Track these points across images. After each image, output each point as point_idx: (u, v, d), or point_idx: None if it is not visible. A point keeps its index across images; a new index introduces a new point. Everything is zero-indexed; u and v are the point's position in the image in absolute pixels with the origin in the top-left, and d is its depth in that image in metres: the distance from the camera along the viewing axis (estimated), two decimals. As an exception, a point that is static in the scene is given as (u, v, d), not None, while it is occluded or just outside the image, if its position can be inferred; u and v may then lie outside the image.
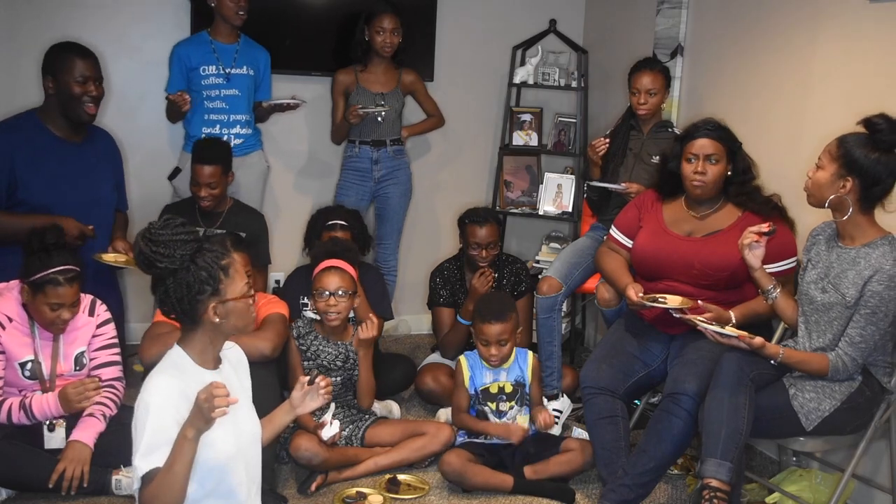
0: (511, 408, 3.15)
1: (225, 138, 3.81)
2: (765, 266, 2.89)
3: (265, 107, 3.97)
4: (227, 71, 3.81)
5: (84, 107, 3.26)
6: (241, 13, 3.79)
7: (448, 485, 3.06)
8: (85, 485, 2.76)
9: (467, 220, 3.72)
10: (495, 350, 3.09)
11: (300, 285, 3.72)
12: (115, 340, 3.05)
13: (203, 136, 3.78)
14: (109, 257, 3.33)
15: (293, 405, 2.36)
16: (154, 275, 2.01)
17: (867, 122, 2.48)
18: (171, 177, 3.89)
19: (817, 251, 2.69)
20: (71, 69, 3.21)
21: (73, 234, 3.10)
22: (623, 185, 3.44)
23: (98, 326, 2.99)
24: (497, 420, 3.14)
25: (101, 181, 3.44)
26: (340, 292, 3.16)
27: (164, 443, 1.93)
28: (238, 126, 3.86)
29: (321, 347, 3.22)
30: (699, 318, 2.67)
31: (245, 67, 3.87)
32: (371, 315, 3.24)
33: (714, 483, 2.48)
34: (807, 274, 2.70)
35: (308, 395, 2.36)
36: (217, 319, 2.03)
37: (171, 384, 1.99)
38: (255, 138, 3.99)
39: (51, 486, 2.72)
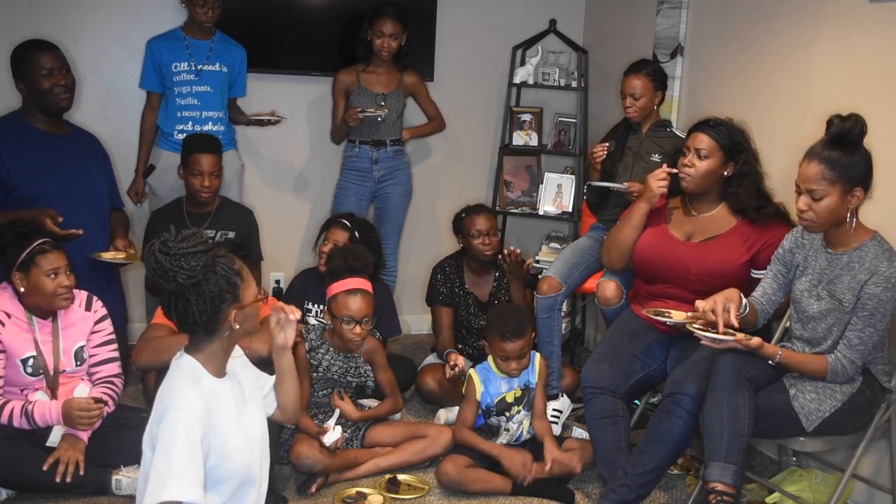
0: (519, 412, 3.14)
1: None
2: (764, 272, 2.90)
3: (244, 120, 4.05)
4: (199, 67, 3.82)
5: (58, 97, 3.30)
6: (208, 22, 3.80)
7: (448, 485, 3.06)
8: (81, 472, 2.76)
9: (464, 214, 3.75)
10: (516, 364, 3.07)
11: (306, 290, 3.71)
12: (113, 336, 3.06)
13: (176, 132, 3.81)
14: (108, 255, 3.35)
15: (279, 343, 2.23)
16: (171, 289, 1.94)
17: (837, 134, 2.45)
18: (146, 174, 3.89)
19: (805, 256, 2.68)
20: (34, 65, 3.26)
21: (47, 225, 3.07)
22: (625, 184, 3.44)
23: (96, 322, 3.01)
24: (505, 425, 3.13)
25: (91, 171, 3.47)
26: (366, 320, 3.11)
27: (195, 463, 1.91)
28: (210, 123, 3.86)
29: (332, 361, 3.20)
30: (695, 325, 2.67)
31: (218, 64, 3.87)
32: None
33: (720, 487, 2.47)
34: (798, 282, 2.68)
35: (283, 327, 2.22)
36: (237, 326, 2.00)
37: (198, 399, 1.95)
38: (229, 137, 3.97)
39: (45, 468, 2.73)
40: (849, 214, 2.50)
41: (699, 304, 2.64)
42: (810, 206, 2.49)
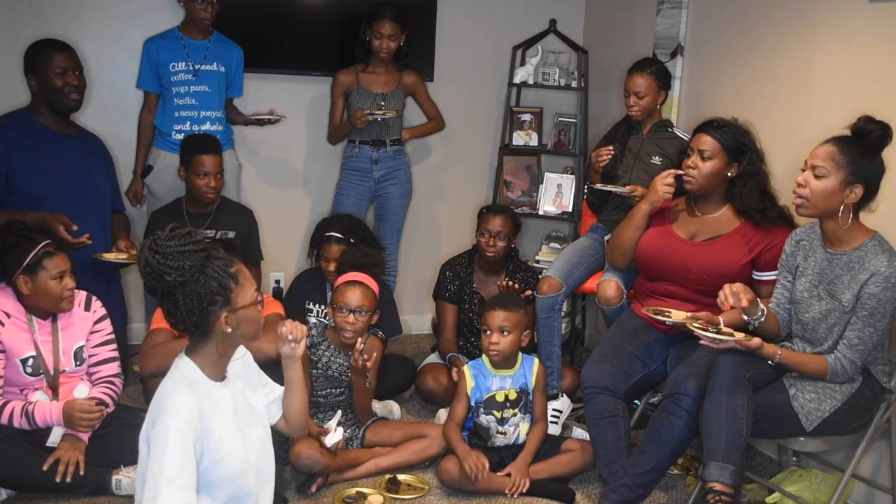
0: (514, 415, 3.13)
1: None
2: (765, 273, 2.91)
3: (242, 120, 4.06)
4: (197, 67, 3.82)
5: (68, 96, 3.32)
6: (207, 20, 3.80)
7: (448, 485, 3.06)
8: (81, 472, 2.76)
9: (485, 210, 3.79)
10: (496, 338, 3.06)
11: (306, 290, 3.72)
12: (112, 336, 3.06)
13: (174, 132, 3.81)
14: (110, 256, 3.35)
15: (284, 353, 2.26)
16: (162, 287, 1.95)
17: (858, 129, 2.47)
18: (144, 174, 3.90)
19: (804, 256, 2.68)
20: (49, 63, 3.28)
21: (59, 231, 3.08)
22: (626, 188, 3.43)
23: (95, 322, 3.01)
24: (500, 428, 3.13)
25: (96, 172, 3.48)
26: (361, 311, 3.12)
27: (188, 467, 1.90)
28: (208, 122, 3.86)
29: (332, 358, 3.20)
30: (695, 324, 2.67)
31: (216, 64, 3.87)
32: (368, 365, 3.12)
33: (718, 487, 2.47)
34: (798, 283, 2.69)
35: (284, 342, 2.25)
36: (229, 329, 1.98)
37: (191, 404, 1.94)
38: (227, 137, 3.97)
39: (45, 468, 2.73)
40: (843, 208, 2.50)
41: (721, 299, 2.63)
42: (808, 183, 2.52)
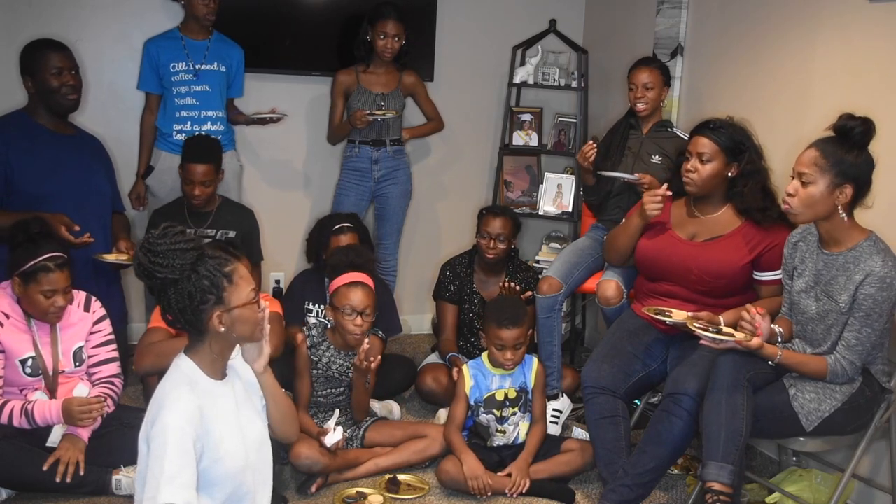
0: (514, 413, 3.14)
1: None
2: (766, 274, 2.91)
3: (243, 120, 4.06)
4: (197, 67, 3.82)
5: (65, 97, 3.32)
6: (210, 16, 3.79)
7: (448, 485, 3.06)
8: (81, 472, 2.76)
9: (485, 212, 3.78)
10: (511, 354, 3.07)
11: (305, 290, 3.72)
12: (112, 337, 3.06)
13: (174, 132, 3.81)
14: (111, 257, 3.36)
15: (245, 359, 2.18)
16: (154, 286, 1.96)
17: (840, 127, 2.47)
18: (145, 175, 3.90)
19: (801, 258, 2.68)
20: (45, 63, 3.27)
21: (61, 231, 3.08)
22: (636, 175, 3.42)
23: (94, 323, 3.00)
24: (499, 426, 3.13)
25: (95, 172, 3.48)
26: (367, 312, 3.11)
27: (187, 466, 1.90)
28: (209, 122, 3.86)
29: (332, 358, 3.20)
30: (695, 324, 2.67)
31: (216, 64, 3.87)
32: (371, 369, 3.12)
33: (717, 487, 2.47)
34: (795, 283, 2.69)
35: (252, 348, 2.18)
36: (222, 329, 1.98)
37: (190, 402, 1.94)
38: (228, 137, 3.96)
39: (45, 468, 2.72)
40: (835, 209, 2.50)
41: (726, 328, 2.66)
42: (797, 192, 2.51)
